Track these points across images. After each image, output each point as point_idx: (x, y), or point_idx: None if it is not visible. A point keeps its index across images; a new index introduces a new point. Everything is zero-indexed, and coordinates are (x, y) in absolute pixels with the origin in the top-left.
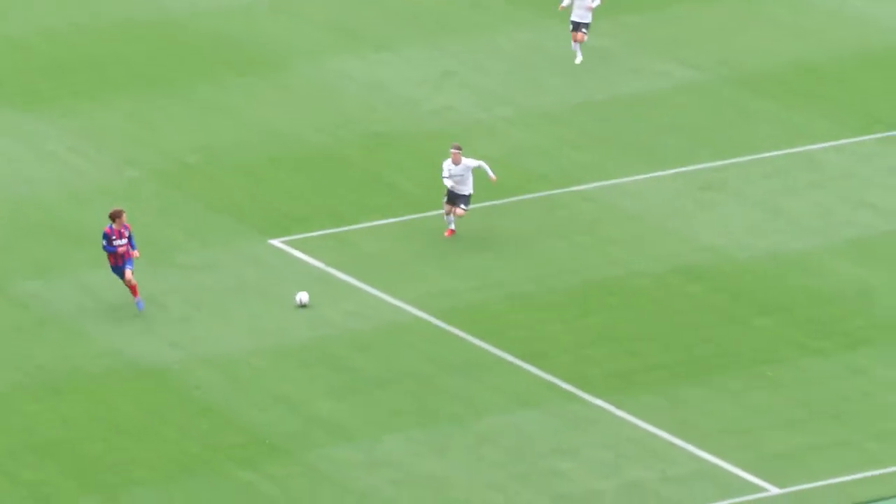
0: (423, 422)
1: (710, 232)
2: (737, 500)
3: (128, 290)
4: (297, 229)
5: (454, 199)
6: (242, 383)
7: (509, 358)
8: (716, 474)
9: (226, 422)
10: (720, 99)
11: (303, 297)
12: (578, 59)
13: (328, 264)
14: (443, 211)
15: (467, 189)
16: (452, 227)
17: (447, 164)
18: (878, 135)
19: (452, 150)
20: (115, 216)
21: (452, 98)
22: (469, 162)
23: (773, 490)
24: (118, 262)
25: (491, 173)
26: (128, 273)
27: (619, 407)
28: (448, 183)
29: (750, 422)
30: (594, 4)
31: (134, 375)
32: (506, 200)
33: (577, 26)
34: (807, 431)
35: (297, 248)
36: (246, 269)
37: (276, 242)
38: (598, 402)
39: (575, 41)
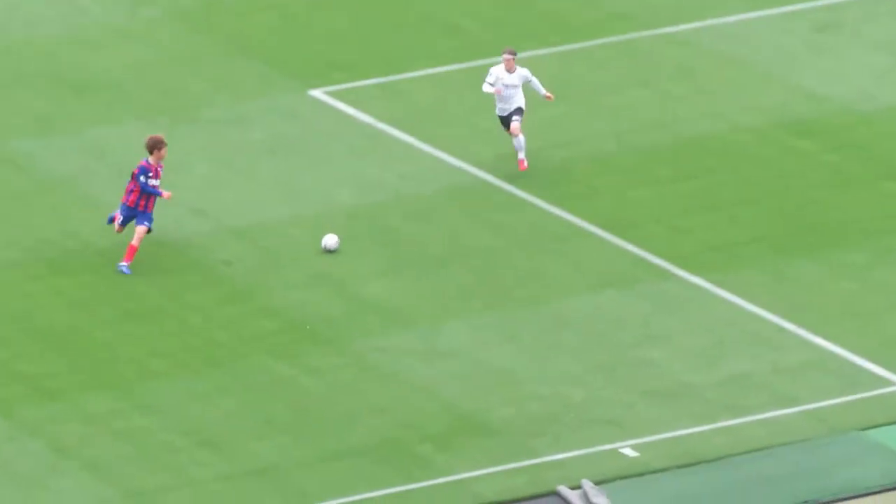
0: (491, 304)
1: (825, 80)
2: (860, 395)
3: (116, 232)
4: (342, 78)
5: (506, 120)
6: (278, 259)
7: (591, 228)
8: (834, 364)
9: (259, 305)
10: None
11: (330, 241)
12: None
13: (379, 119)
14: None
15: (518, 102)
16: (522, 155)
17: (497, 71)
18: None
19: (506, 56)
20: (155, 146)
21: None
22: (524, 72)
23: None
24: (140, 207)
25: (543, 90)
26: (142, 230)
27: (719, 285)
28: (488, 88)
29: (874, 302)
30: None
31: (151, 250)
32: (582, 45)
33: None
34: None
35: (341, 100)
36: (282, 124)
37: (317, 93)
38: (695, 279)
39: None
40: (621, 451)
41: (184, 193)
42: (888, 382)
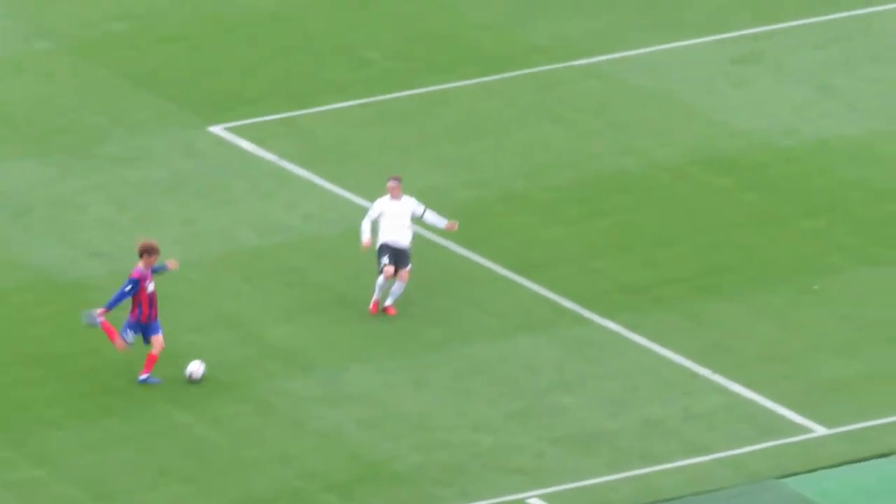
0: (399, 348)
1: (745, 114)
2: (776, 442)
3: (109, 345)
4: (243, 113)
5: (396, 256)
6: (177, 301)
7: (500, 270)
8: (750, 411)
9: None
10: None
11: (196, 369)
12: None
13: (282, 156)
14: (379, 280)
15: (408, 238)
16: (389, 301)
17: (381, 204)
18: None
19: (390, 183)
20: (148, 251)
21: None
22: (411, 202)
23: (820, 430)
24: (143, 318)
25: (443, 221)
26: (159, 339)
27: (633, 329)
28: (365, 229)
29: (792, 346)
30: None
31: (47, 293)
32: (495, 77)
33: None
34: (862, 357)
35: (243, 137)
36: (181, 161)
37: (217, 129)
38: (609, 323)
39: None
40: (529, 500)
41: (79, 234)
42: (805, 430)
